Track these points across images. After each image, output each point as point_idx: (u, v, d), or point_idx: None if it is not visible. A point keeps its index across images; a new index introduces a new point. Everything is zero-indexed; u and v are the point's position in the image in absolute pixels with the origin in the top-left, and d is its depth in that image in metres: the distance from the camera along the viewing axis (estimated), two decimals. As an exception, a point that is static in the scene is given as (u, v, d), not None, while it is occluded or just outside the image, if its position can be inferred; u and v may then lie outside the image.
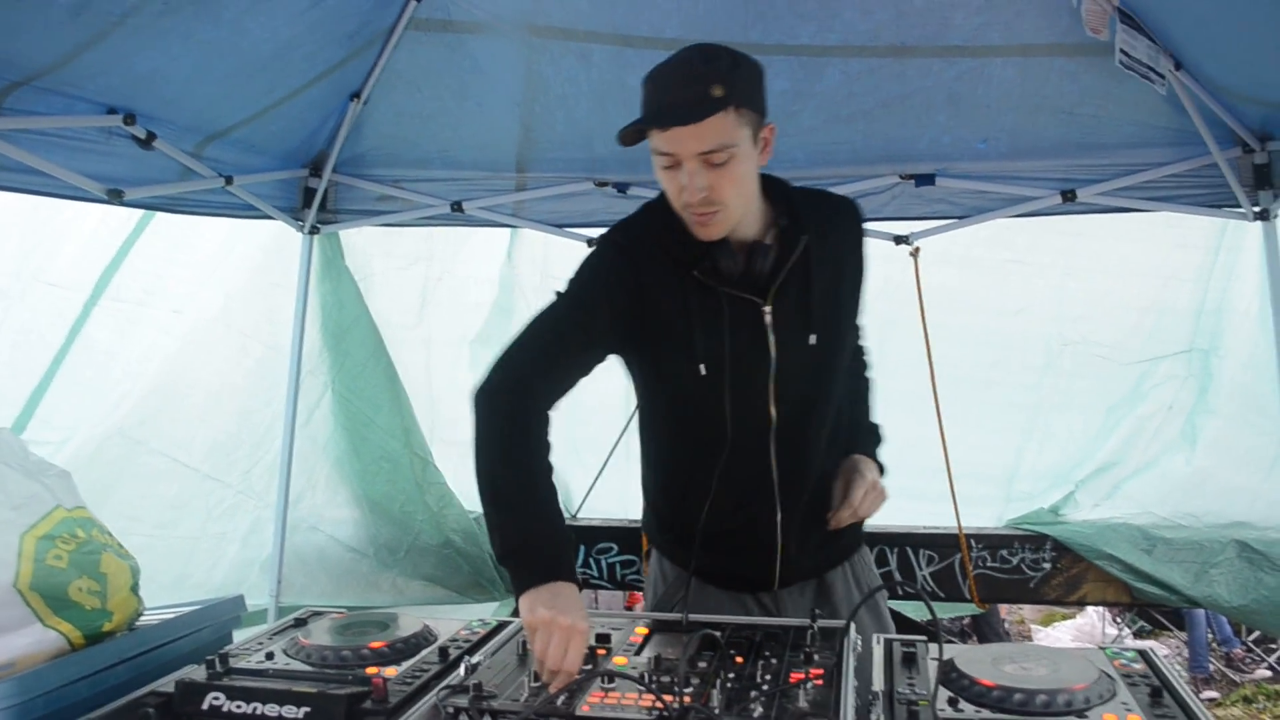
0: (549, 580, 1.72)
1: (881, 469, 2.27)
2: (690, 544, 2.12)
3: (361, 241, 4.08)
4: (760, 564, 2.16)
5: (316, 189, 3.81)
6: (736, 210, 1.93)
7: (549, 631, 1.61)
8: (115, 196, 3.03)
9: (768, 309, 1.99)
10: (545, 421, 2.00)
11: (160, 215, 3.58)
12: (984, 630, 6.47)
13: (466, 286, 4.28)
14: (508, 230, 4.07)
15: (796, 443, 2.09)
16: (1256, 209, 3.33)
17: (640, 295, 2.01)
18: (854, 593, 2.25)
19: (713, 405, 2.03)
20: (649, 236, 2.04)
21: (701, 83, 1.80)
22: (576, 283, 2.07)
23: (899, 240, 3.64)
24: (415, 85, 3.54)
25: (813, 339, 2.04)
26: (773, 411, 2.05)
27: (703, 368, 2.01)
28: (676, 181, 1.87)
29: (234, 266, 3.96)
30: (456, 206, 3.82)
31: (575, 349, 2.04)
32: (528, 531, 1.82)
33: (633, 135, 1.85)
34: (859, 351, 2.38)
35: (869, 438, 2.32)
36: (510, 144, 3.72)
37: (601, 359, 2.09)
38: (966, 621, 6.85)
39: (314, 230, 3.89)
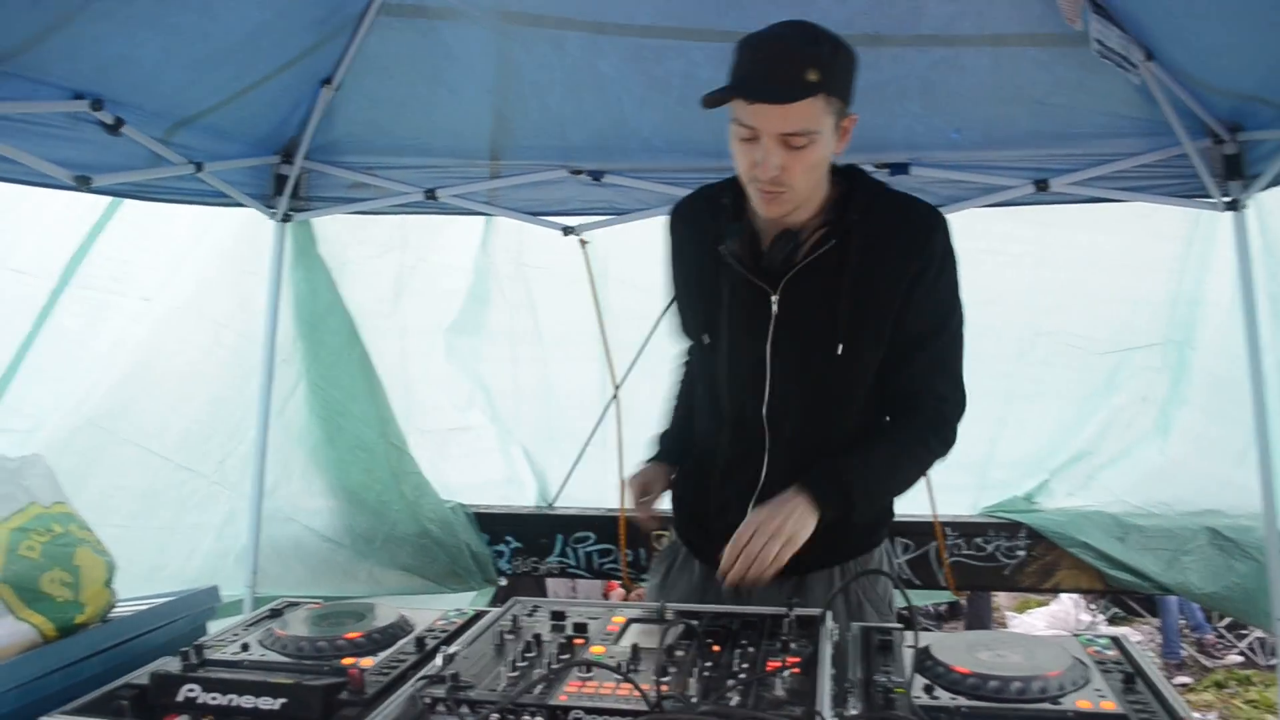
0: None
1: (822, 511, 1.91)
2: (686, 521, 2.25)
3: (335, 229, 4.04)
4: (711, 540, 2.10)
5: (289, 176, 3.77)
6: (802, 193, 1.91)
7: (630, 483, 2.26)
8: (83, 183, 2.98)
9: (775, 298, 1.98)
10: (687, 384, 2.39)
11: (128, 202, 3.53)
12: (974, 619, 6.53)
13: (441, 274, 4.26)
14: (482, 218, 4.05)
15: (788, 444, 2.04)
16: (1227, 199, 3.36)
17: (679, 258, 2.16)
18: (837, 600, 2.09)
19: (715, 381, 2.09)
20: (703, 204, 2.12)
21: (799, 64, 1.77)
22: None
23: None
24: (387, 71, 3.51)
25: (824, 345, 1.97)
26: (764, 406, 2.03)
27: (706, 337, 2.08)
28: (751, 155, 1.85)
29: (205, 254, 3.92)
30: (430, 194, 3.80)
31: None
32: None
33: (718, 98, 1.81)
34: (923, 411, 2.05)
35: (834, 479, 1.95)
36: (484, 131, 3.70)
37: None
38: (944, 609, 6.92)
39: (286, 218, 3.85)
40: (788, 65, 1.77)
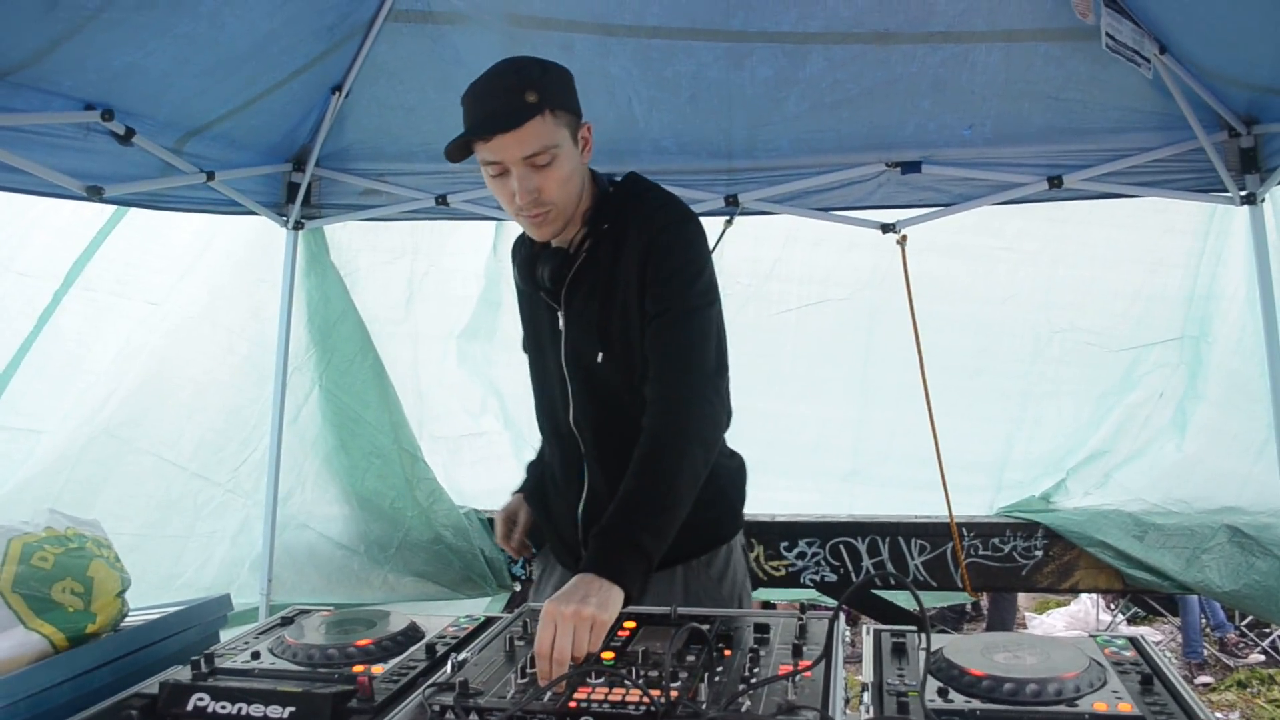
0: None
1: (625, 580, 1.71)
2: (544, 531, 2.41)
3: (346, 236, 4.05)
4: (568, 544, 2.26)
5: (300, 184, 3.79)
6: (565, 208, 2.01)
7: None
8: (95, 194, 3.01)
9: (560, 313, 2.12)
10: None
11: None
12: (996, 620, 6.49)
13: (452, 280, 4.27)
14: (493, 223, 4.05)
15: (598, 444, 2.15)
16: (1243, 193, 3.33)
17: (517, 286, 2.31)
18: (677, 599, 2.07)
19: (537, 396, 2.29)
20: (526, 239, 2.23)
21: (515, 91, 1.90)
22: None
23: (886, 228, 3.62)
24: (397, 77, 3.51)
25: (595, 349, 2.07)
26: (569, 416, 2.16)
27: (529, 356, 2.30)
28: (507, 188, 1.95)
29: (218, 263, 3.93)
30: (441, 200, 3.80)
31: None
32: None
33: (458, 150, 1.94)
34: (666, 403, 1.94)
35: (615, 545, 1.77)
36: (493, 136, 3.69)
37: None
38: (970, 609, 6.88)
39: (298, 225, 3.86)
40: (505, 96, 1.91)
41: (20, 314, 3.54)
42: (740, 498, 2.29)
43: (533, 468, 2.46)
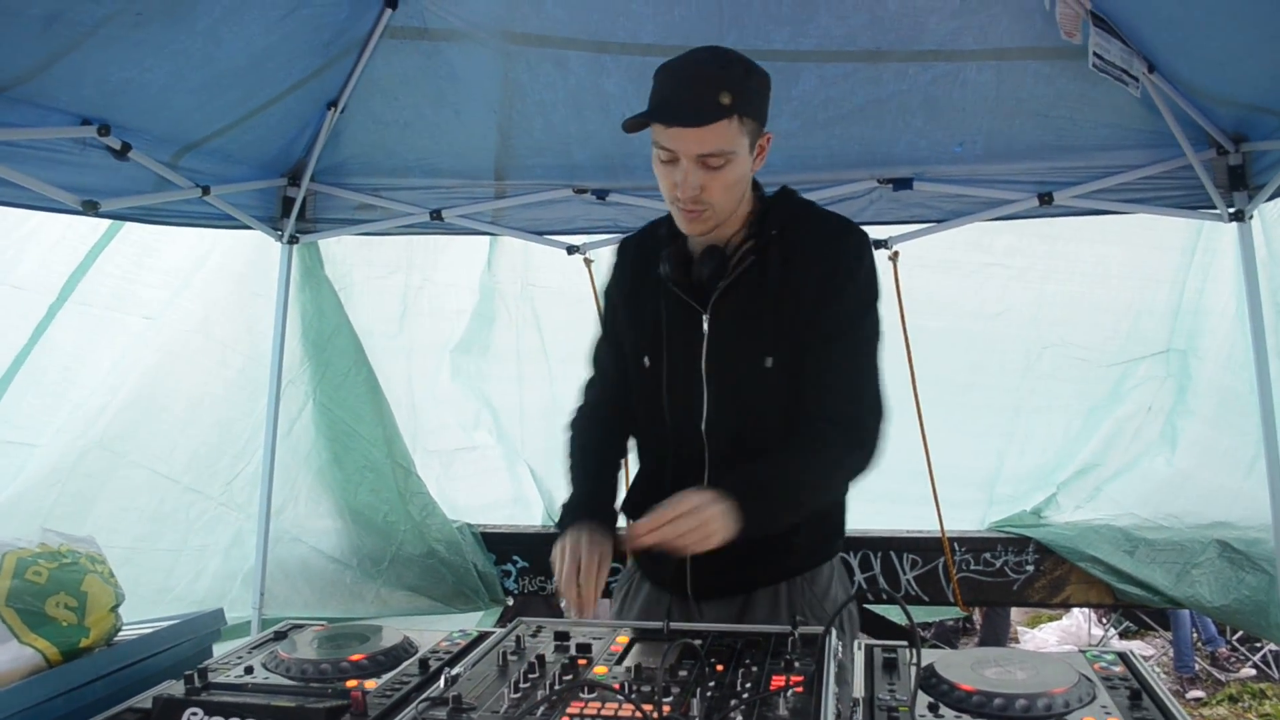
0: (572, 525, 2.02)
1: (746, 523, 1.84)
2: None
3: (341, 251, 4.06)
4: (675, 569, 2.15)
5: (295, 198, 3.80)
6: (723, 211, 1.98)
7: (559, 560, 1.89)
8: (90, 208, 3.01)
9: (706, 316, 2.04)
10: (608, 426, 2.29)
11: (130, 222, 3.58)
12: (990, 635, 6.49)
13: (447, 294, 4.28)
14: (487, 238, 4.07)
15: (728, 455, 2.08)
16: (1231, 210, 3.36)
17: (624, 289, 2.21)
18: (781, 617, 2.11)
19: (655, 402, 2.13)
20: (648, 235, 2.20)
21: (712, 87, 1.84)
22: (605, 286, 2.32)
23: (877, 244, 3.62)
24: (392, 93, 3.53)
25: (754, 358, 2.02)
26: (704, 420, 2.08)
27: (646, 360, 2.13)
28: (671, 176, 1.92)
29: (212, 277, 3.94)
30: (436, 214, 3.81)
31: (616, 348, 2.26)
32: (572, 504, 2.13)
33: (637, 125, 1.90)
34: (829, 415, 1.99)
35: (762, 493, 1.91)
36: (488, 151, 3.71)
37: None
38: (961, 624, 6.88)
39: (293, 240, 3.87)
40: (701, 89, 1.85)
41: (14, 328, 3.55)
42: (843, 517, 2.23)
43: (597, 501, 2.17)
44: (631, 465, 2.36)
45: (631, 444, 2.33)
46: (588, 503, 2.14)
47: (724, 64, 1.90)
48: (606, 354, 2.31)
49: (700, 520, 1.79)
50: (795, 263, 2.01)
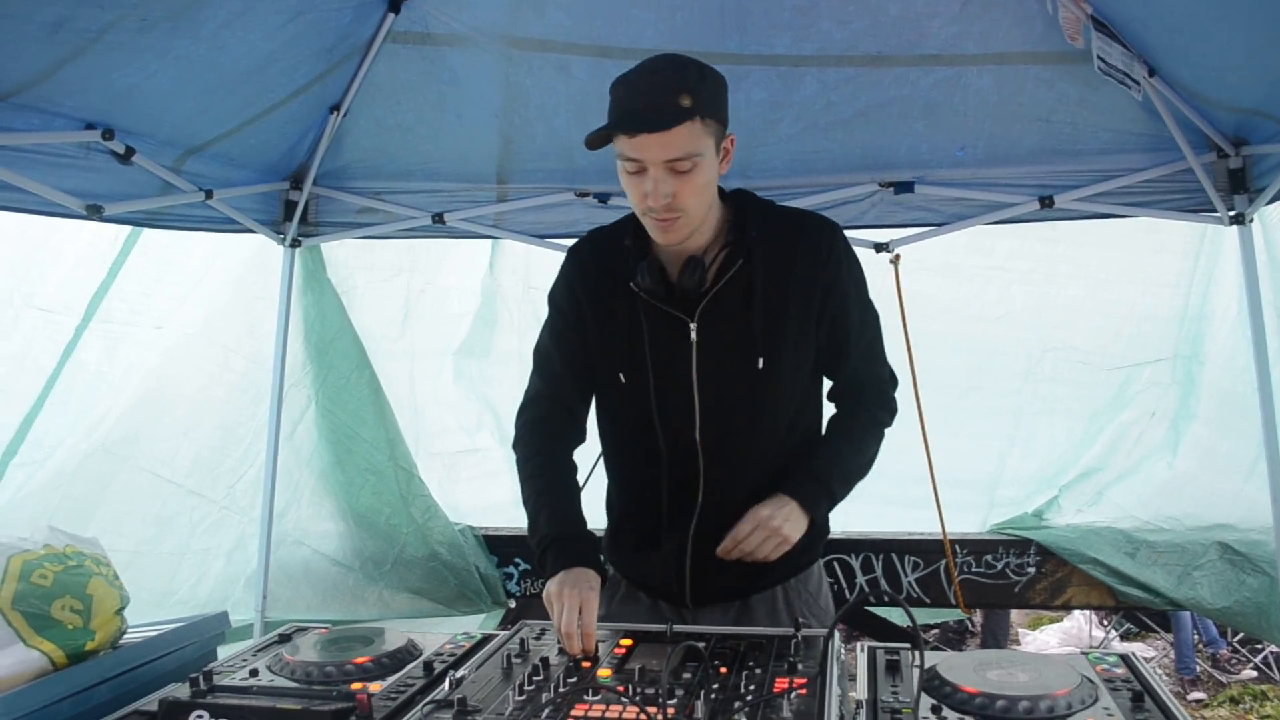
0: (570, 566, 1.96)
1: (811, 510, 2.07)
2: (622, 549, 2.28)
3: (343, 254, 4.07)
4: (673, 578, 2.16)
5: (298, 202, 3.80)
6: (696, 216, 1.97)
7: (560, 600, 1.85)
8: (95, 212, 3.02)
9: (693, 325, 2.04)
10: (564, 442, 2.24)
11: (146, 234, 3.59)
12: (990, 636, 6.50)
13: (449, 298, 4.28)
14: (489, 241, 4.07)
15: (724, 462, 2.10)
16: (1232, 213, 3.36)
17: (584, 301, 2.15)
18: (780, 618, 2.17)
19: (640, 416, 2.11)
20: (605, 246, 2.16)
21: (671, 92, 1.84)
22: (551, 293, 2.24)
23: (879, 248, 3.65)
24: (394, 98, 3.54)
25: (747, 362, 2.04)
26: (697, 430, 2.09)
27: (622, 376, 2.11)
28: (641, 187, 1.91)
29: (216, 281, 3.95)
30: (438, 218, 3.82)
31: (570, 360, 2.20)
32: (551, 530, 2.08)
33: (600, 139, 1.89)
34: (865, 393, 2.22)
35: (811, 477, 2.10)
36: (490, 155, 3.72)
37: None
38: (965, 626, 6.89)
39: (295, 243, 3.88)
40: (660, 94, 1.85)
41: (44, 351, 3.56)
42: (828, 516, 2.27)
43: (575, 529, 2.10)
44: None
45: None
46: (573, 537, 2.07)
47: (679, 68, 1.90)
48: (560, 367, 2.22)
49: (771, 530, 1.99)
50: (785, 265, 2.04)
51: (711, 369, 2.06)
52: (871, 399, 2.23)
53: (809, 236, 2.08)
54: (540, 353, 2.27)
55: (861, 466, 2.19)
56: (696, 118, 1.86)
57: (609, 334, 2.12)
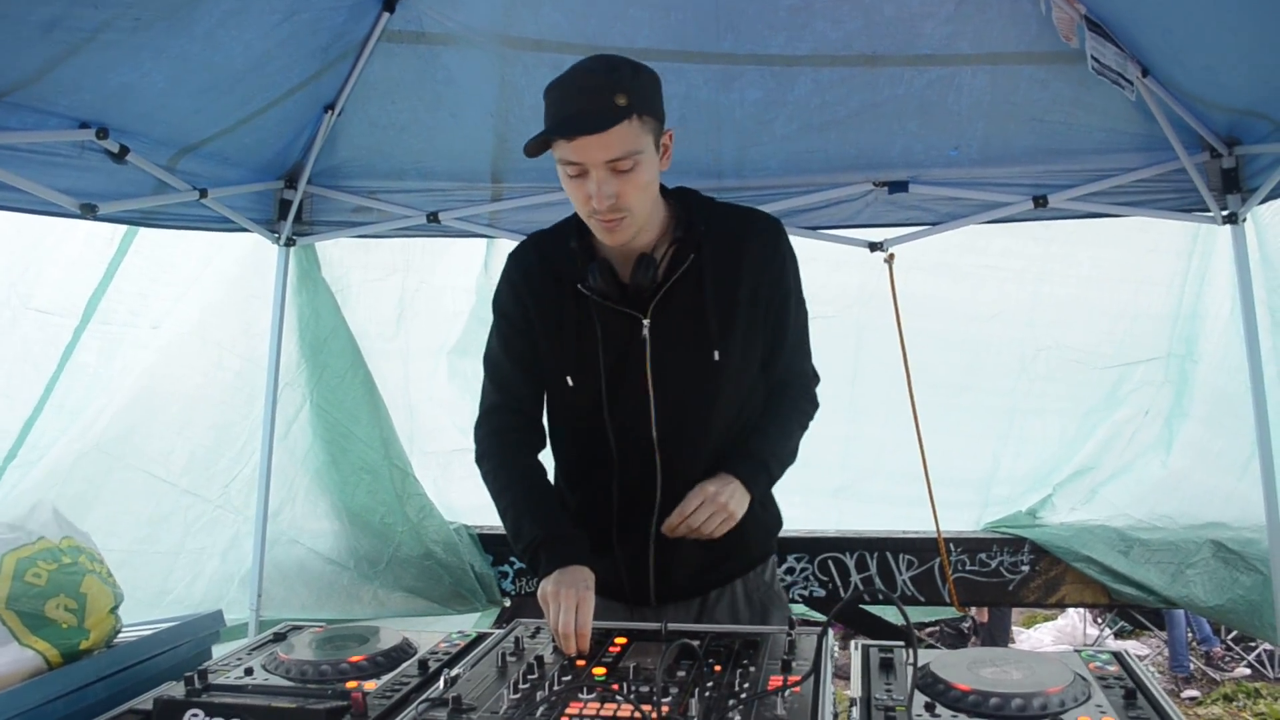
0: (565, 565, 1.96)
1: (752, 488, 2.08)
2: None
3: (338, 253, 4.06)
4: (634, 577, 2.18)
5: (292, 201, 3.79)
6: (641, 215, 1.99)
7: (556, 600, 1.84)
8: (89, 211, 3.02)
9: (646, 322, 2.06)
10: (529, 448, 2.24)
11: (142, 234, 3.59)
12: (990, 636, 6.52)
13: (443, 297, 4.28)
14: (484, 240, 4.07)
15: (680, 457, 2.11)
16: (1225, 213, 3.37)
17: (530, 306, 2.15)
18: (740, 610, 2.21)
19: (590, 418, 2.12)
20: (549, 249, 2.17)
21: (605, 92, 1.85)
22: (496, 299, 2.24)
23: (873, 247, 3.65)
24: (389, 97, 3.54)
25: (700, 355, 2.07)
26: (654, 427, 2.10)
27: (569, 379, 2.11)
28: (584, 190, 1.93)
29: (210, 280, 3.94)
30: (433, 217, 3.82)
31: (521, 366, 2.20)
32: (540, 530, 2.06)
33: (537, 146, 1.89)
34: (792, 386, 2.28)
35: (749, 457, 2.12)
36: (485, 154, 3.72)
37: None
38: (966, 625, 6.91)
39: (290, 242, 3.87)
40: (594, 96, 1.86)
41: (44, 355, 3.55)
42: (779, 510, 2.38)
43: (562, 527, 2.09)
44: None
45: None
46: (563, 537, 2.05)
47: (611, 68, 1.91)
48: (512, 374, 2.20)
49: (718, 505, 2.00)
50: (734, 259, 2.08)
51: (665, 364, 2.08)
52: (799, 392, 2.29)
53: (756, 233, 2.13)
54: (491, 361, 2.25)
55: (791, 452, 2.23)
56: (634, 116, 1.87)
57: (556, 338, 2.13)
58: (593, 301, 2.07)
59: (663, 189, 2.11)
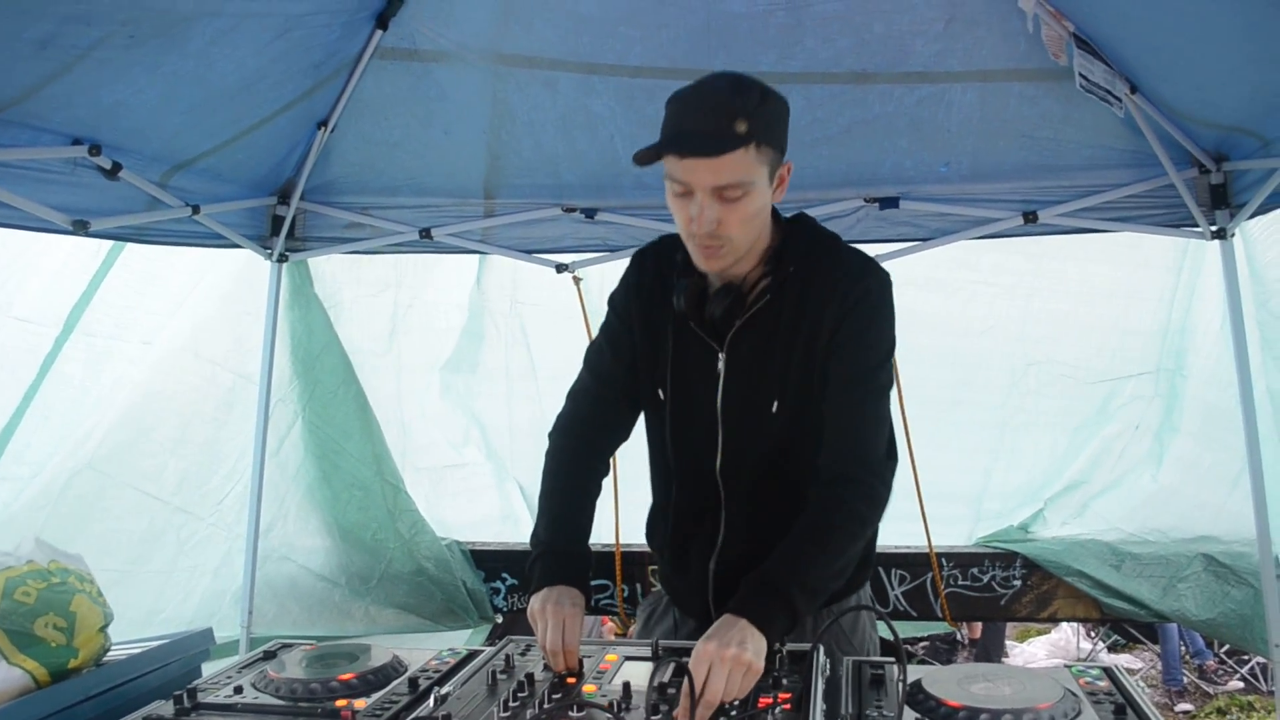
0: (555, 583, 1.91)
1: (768, 630, 1.70)
2: (666, 569, 2.22)
3: (330, 269, 4.07)
4: (697, 593, 2.12)
5: (285, 217, 3.80)
6: (741, 246, 1.87)
7: (543, 618, 1.81)
8: (81, 227, 3.01)
9: (722, 355, 1.97)
10: (601, 439, 2.18)
11: (130, 249, 3.58)
12: (984, 652, 6.50)
13: (436, 312, 4.29)
14: (476, 256, 4.08)
15: (743, 490, 2.03)
16: (1214, 228, 3.39)
17: (634, 308, 2.08)
18: (804, 635, 2.07)
19: (662, 436, 2.07)
20: (666, 254, 2.05)
21: (727, 115, 1.74)
22: (612, 294, 2.17)
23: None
24: (382, 113, 3.55)
25: (760, 402, 1.96)
26: (717, 464, 2.02)
27: (661, 393, 2.05)
28: (686, 210, 1.81)
29: (203, 296, 3.94)
30: (425, 233, 3.83)
31: (622, 360, 2.13)
32: (547, 539, 2.03)
33: (649, 157, 1.79)
34: (849, 485, 1.89)
35: (763, 588, 1.76)
36: (478, 171, 3.73)
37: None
38: (964, 640, 6.90)
39: (282, 258, 3.88)
40: (715, 118, 1.74)
41: (22, 363, 3.53)
42: (873, 549, 2.14)
43: (568, 540, 2.06)
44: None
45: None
46: (564, 552, 2.01)
47: (738, 89, 1.78)
48: (611, 364, 2.14)
49: (725, 660, 1.60)
50: (810, 303, 1.92)
51: (735, 401, 1.98)
52: (854, 493, 1.89)
53: (838, 273, 1.93)
54: (593, 349, 2.19)
55: (835, 573, 1.86)
56: (752, 144, 1.75)
57: (652, 346, 2.06)
58: (677, 319, 1.99)
59: (776, 216, 2.00)
